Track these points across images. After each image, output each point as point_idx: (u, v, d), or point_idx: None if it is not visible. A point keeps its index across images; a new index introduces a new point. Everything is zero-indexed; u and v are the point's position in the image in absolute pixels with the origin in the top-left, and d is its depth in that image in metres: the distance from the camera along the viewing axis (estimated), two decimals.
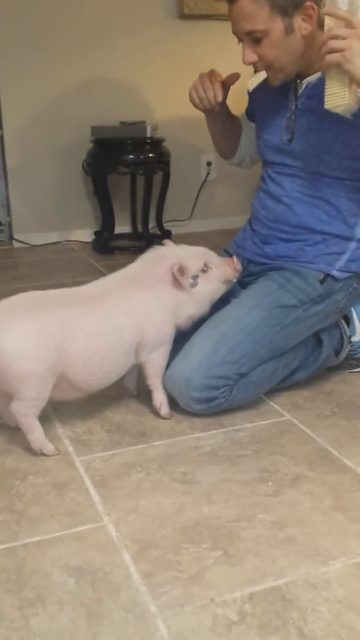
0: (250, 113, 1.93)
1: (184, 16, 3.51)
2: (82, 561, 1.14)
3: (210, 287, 1.63)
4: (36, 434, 1.46)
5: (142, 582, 1.09)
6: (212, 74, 1.74)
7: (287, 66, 1.61)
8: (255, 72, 1.96)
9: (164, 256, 1.61)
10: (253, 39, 1.57)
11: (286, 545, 1.17)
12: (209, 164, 3.80)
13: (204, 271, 1.61)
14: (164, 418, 1.63)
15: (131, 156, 3.34)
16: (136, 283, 1.58)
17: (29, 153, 3.52)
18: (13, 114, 3.46)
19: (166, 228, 3.64)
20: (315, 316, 1.71)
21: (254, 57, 1.60)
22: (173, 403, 1.64)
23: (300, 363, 1.76)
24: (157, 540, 1.19)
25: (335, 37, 1.40)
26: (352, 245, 1.74)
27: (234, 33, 1.61)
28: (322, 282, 1.70)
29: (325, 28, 1.44)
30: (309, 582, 1.08)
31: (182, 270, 1.57)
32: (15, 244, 3.65)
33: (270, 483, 1.36)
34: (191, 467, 1.42)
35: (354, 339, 1.87)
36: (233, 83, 1.75)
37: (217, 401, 1.60)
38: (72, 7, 3.39)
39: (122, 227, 3.67)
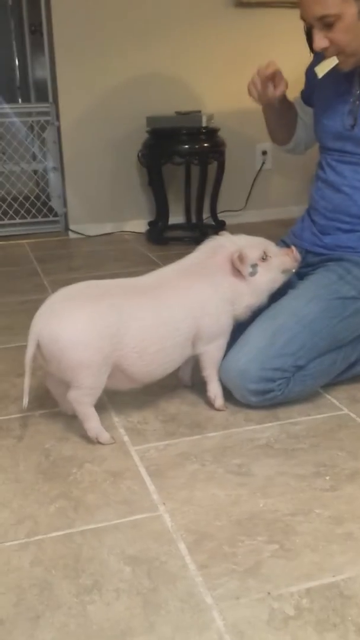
0: (307, 96, 1.89)
1: (241, 4, 3.47)
2: (138, 550, 1.14)
3: (269, 276, 1.61)
4: (93, 423, 1.47)
5: (198, 573, 1.08)
6: (270, 67, 1.70)
7: (358, 50, 1.57)
8: (321, 58, 1.90)
9: (222, 246, 1.60)
10: (324, 23, 1.52)
11: (344, 541, 1.15)
12: (264, 153, 3.75)
13: (263, 260, 1.59)
14: (218, 410, 1.62)
15: (186, 146, 3.32)
16: (193, 274, 1.57)
17: (85, 145, 3.55)
18: (69, 106, 3.49)
19: (220, 218, 3.62)
20: None
21: (325, 43, 1.56)
22: (227, 394, 1.63)
23: (359, 356, 1.72)
24: (212, 531, 1.18)
25: None
26: None
27: (303, 19, 1.57)
28: None
29: None
30: None
31: (242, 258, 1.55)
32: (71, 235, 3.69)
33: (327, 477, 1.34)
34: (246, 459, 1.41)
35: None
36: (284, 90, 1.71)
37: (273, 393, 1.58)
38: None
39: (176, 217, 3.66)
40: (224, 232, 1.68)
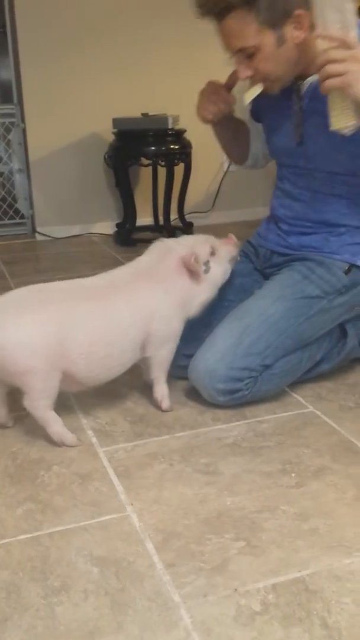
0: (256, 115, 1.90)
1: None
2: (106, 551, 1.14)
3: (221, 269, 1.64)
4: (54, 427, 1.47)
5: (166, 572, 1.09)
6: (212, 86, 1.71)
7: (283, 76, 1.57)
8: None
9: (171, 249, 1.60)
10: (245, 54, 1.52)
11: (309, 536, 1.17)
12: None
13: (212, 255, 1.62)
14: (164, 411, 1.63)
15: (152, 148, 3.34)
16: (144, 278, 1.56)
17: (51, 146, 3.54)
18: (35, 108, 3.48)
19: (188, 220, 3.64)
20: (340, 307, 1.70)
21: (249, 72, 1.56)
22: (196, 394, 1.64)
23: (324, 355, 1.75)
24: (180, 530, 1.19)
25: (332, 61, 1.33)
26: None
27: (225, 50, 1.56)
28: (346, 272, 1.69)
29: (320, 48, 1.35)
30: (332, 574, 1.07)
31: (197, 259, 1.56)
32: (38, 237, 3.68)
33: (293, 475, 1.35)
34: (214, 458, 1.42)
35: None
36: (235, 83, 1.70)
37: (240, 393, 1.59)
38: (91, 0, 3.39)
39: (143, 219, 3.67)
40: (163, 239, 1.67)
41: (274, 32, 1.49)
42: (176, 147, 3.38)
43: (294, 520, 1.21)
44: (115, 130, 3.38)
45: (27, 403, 1.43)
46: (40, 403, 1.43)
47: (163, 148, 3.34)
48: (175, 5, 3.48)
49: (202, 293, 1.62)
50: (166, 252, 1.60)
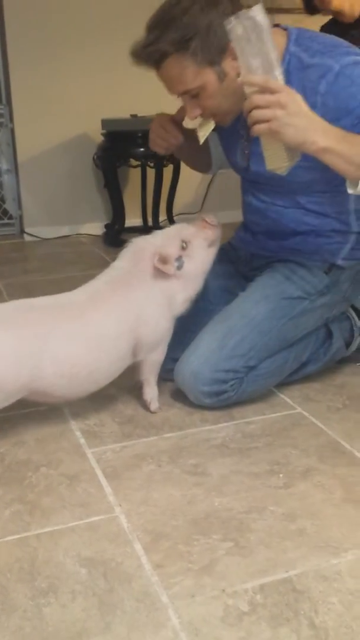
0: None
1: None
2: (94, 552, 1.14)
3: (198, 260, 1.58)
4: None
5: (154, 573, 1.09)
6: (162, 120, 1.72)
7: (232, 108, 1.55)
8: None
9: (143, 249, 1.55)
10: (190, 95, 1.53)
11: (297, 537, 1.17)
12: None
13: (183, 249, 1.55)
14: (153, 412, 1.63)
15: (141, 149, 3.33)
16: (123, 284, 1.52)
17: (40, 147, 3.53)
18: (23, 108, 3.47)
19: (177, 221, 3.64)
20: (323, 307, 1.71)
21: (197, 111, 1.56)
22: (183, 395, 1.65)
23: (310, 356, 1.76)
24: (168, 531, 1.19)
25: (257, 107, 1.32)
26: (353, 237, 1.71)
27: (169, 92, 1.57)
28: (327, 272, 1.69)
29: (246, 92, 1.34)
30: (320, 574, 1.08)
31: (163, 259, 1.51)
32: (26, 238, 3.66)
33: (281, 475, 1.36)
34: (202, 459, 1.43)
35: None
36: (185, 115, 1.68)
37: (226, 394, 1.60)
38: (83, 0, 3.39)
39: (132, 220, 3.67)
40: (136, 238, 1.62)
41: (213, 69, 1.47)
42: None
43: (281, 521, 1.22)
44: (104, 131, 3.38)
45: None
46: None
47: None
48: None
49: (184, 289, 1.57)
50: (138, 253, 1.55)
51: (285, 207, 1.69)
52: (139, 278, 1.53)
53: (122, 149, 3.37)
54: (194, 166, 2.02)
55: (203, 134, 1.60)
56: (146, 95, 3.55)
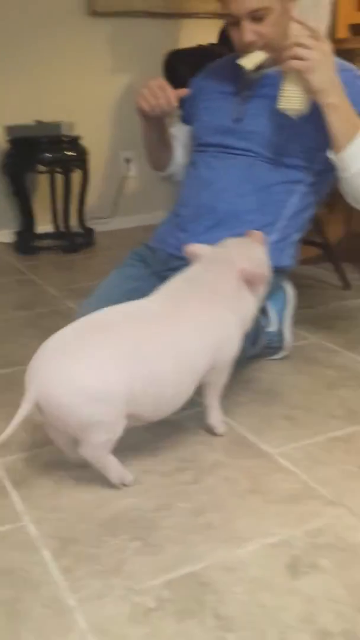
0: (187, 113, 1.96)
1: (95, 13, 3.50)
2: (1, 562, 1.13)
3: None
4: (114, 471, 1.32)
5: (62, 578, 1.09)
6: (161, 82, 1.74)
7: (278, 47, 1.65)
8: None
9: (230, 260, 1.44)
10: (255, 17, 1.63)
11: (204, 530, 1.20)
12: (127, 160, 3.80)
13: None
14: (220, 436, 1.52)
15: (48, 155, 3.31)
16: (209, 297, 1.39)
17: None
18: None
19: (89, 226, 3.63)
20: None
21: (254, 36, 1.66)
22: None
23: None
24: (77, 535, 1.20)
25: (301, 45, 1.50)
26: (273, 237, 1.77)
27: (229, 14, 1.65)
28: None
29: (293, 33, 1.54)
30: (225, 565, 1.11)
31: (252, 277, 1.41)
32: None
33: (189, 472, 1.38)
34: None
35: (270, 329, 1.91)
36: (182, 95, 1.75)
37: None
38: None
39: (44, 226, 3.64)
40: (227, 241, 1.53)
41: (280, 1, 1.64)
42: (72, 153, 3.37)
43: (189, 516, 1.24)
44: (8, 137, 3.34)
45: (85, 452, 1.28)
46: (103, 452, 1.28)
47: (59, 155, 3.32)
48: (69, 13, 3.47)
49: (255, 304, 1.47)
50: (226, 263, 1.43)
51: (237, 179, 1.76)
52: (226, 291, 1.41)
53: (28, 155, 3.33)
54: (152, 154, 2.03)
55: (251, 62, 1.69)
56: (51, 101, 3.54)
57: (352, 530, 1.18)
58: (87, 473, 1.39)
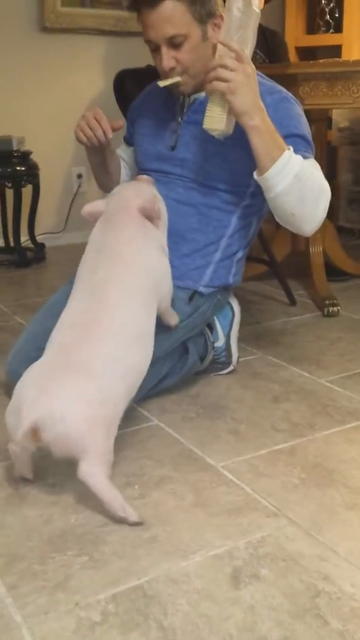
0: (130, 135, 2.00)
1: (45, 29, 3.52)
2: None
3: (162, 208, 1.68)
4: (118, 499, 1.28)
5: (8, 595, 1.10)
6: (98, 113, 1.77)
7: (199, 73, 1.67)
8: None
9: (127, 205, 1.57)
10: (173, 44, 1.64)
11: (149, 544, 1.22)
12: (79, 176, 3.82)
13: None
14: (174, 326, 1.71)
15: None
16: (126, 256, 1.50)
17: None
18: None
19: (40, 241, 3.63)
20: (183, 329, 1.77)
21: (173, 62, 1.67)
22: None
23: (168, 370, 1.82)
24: (23, 552, 1.21)
25: (224, 67, 1.50)
26: (217, 256, 1.82)
27: (149, 40, 1.66)
28: (190, 299, 1.77)
29: (217, 54, 1.55)
30: (169, 578, 1.13)
31: (149, 211, 1.57)
32: None
33: (136, 486, 1.41)
34: (60, 478, 1.44)
35: (217, 344, 1.95)
36: (119, 128, 1.79)
37: None
38: None
39: None
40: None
41: (200, 27, 1.65)
42: (22, 168, 3.36)
43: (135, 531, 1.26)
44: None
45: (85, 470, 1.27)
46: (102, 468, 1.28)
47: (9, 170, 3.32)
48: (20, 29, 3.48)
49: (163, 235, 1.64)
50: (123, 210, 1.57)
51: (177, 202, 1.79)
52: (134, 239, 1.54)
53: None
54: (98, 178, 2.06)
55: (164, 82, 1.70)
56: (1, 116, 3.53)
57: (293, 541, 1.22)
58: (34, 489, 1.40)
